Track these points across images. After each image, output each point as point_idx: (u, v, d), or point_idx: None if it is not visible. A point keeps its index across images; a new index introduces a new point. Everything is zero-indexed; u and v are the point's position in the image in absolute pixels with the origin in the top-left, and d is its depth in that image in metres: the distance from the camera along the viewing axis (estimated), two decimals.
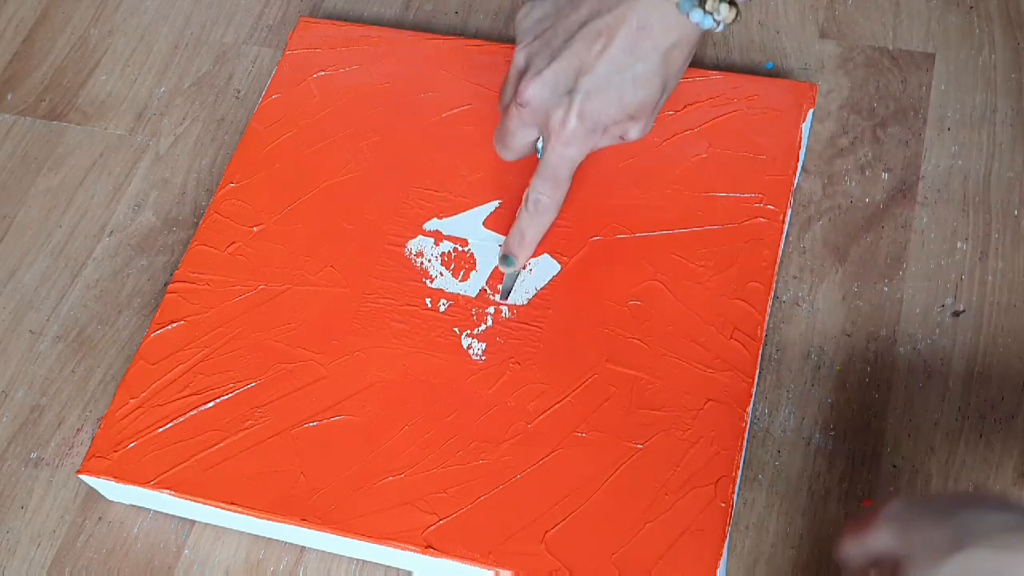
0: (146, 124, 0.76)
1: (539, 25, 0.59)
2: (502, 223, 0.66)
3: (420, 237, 0.66)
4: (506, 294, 0.63)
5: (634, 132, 0.60)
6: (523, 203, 0.62)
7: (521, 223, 0.62)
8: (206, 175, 0.73)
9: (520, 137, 0.61)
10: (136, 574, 0.60)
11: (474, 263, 0.65)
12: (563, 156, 0.59)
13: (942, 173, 0.67)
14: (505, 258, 0.63)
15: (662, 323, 0.61)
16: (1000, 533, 0.45)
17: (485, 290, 0.64)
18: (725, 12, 0.56)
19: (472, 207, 0.66)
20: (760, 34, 0.74)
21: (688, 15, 0.56)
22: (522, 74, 0.59)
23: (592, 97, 0.57)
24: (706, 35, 0.74)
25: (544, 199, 0.61)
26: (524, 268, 0.64)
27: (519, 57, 0.59)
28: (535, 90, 0.58)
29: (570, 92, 0.58)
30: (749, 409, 0.59)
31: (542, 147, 0.61)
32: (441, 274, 0.64)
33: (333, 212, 0.67)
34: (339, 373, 0.62)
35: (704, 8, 0.55)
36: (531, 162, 0.66)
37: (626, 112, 0.58)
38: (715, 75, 0.69)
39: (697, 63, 0.73)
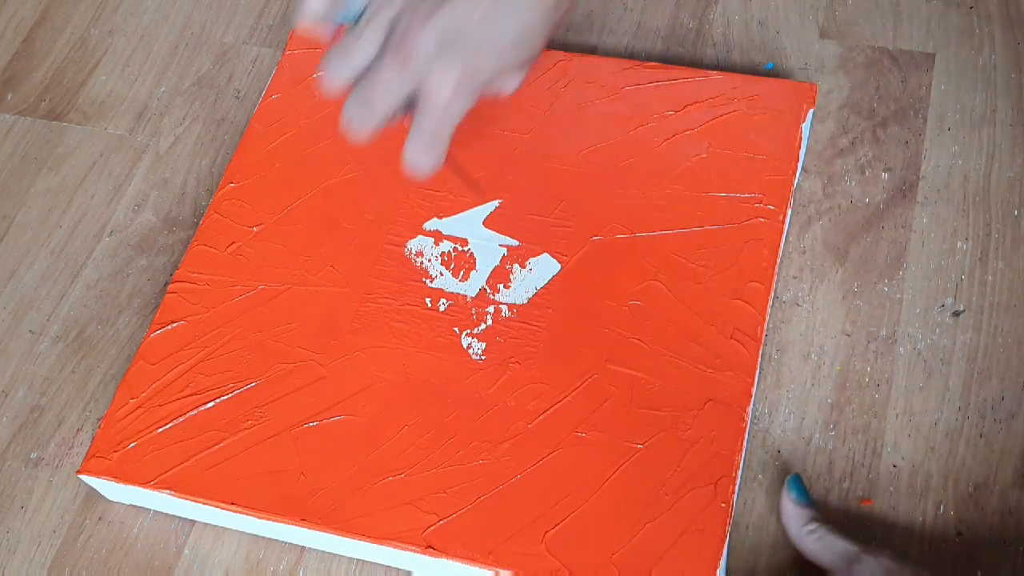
0: (146, 124, 0.76)
1: None
2: (502, 223, 0.65)
3: (420, 237, 0.66)
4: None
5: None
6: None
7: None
8: (206, 175, 0.73)
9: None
10: (136, 574, 0.60)
11: (474, 263, 0.65)
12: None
13: (942, 173, 0.67)
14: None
15: (662, 323, 0.61)
16: None
17: (485, 290, 0.64)
18: None
19: (472, 207, 0.66)
20: (760, 34, 0.74)
21: None
22: None
23: None
24: (705, 35, 0.74)
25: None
26: (524, 267, 0.64)
27: None
28: None
29: None
30: (749, 409, 0.59)
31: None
32: (441, 274, 0.64)
33: (333, 212, 0.67)
34: (339, 373, 0.62)
35: None
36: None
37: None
38: (715, 75, 0.69)
39: (697, 63, 0.73)
